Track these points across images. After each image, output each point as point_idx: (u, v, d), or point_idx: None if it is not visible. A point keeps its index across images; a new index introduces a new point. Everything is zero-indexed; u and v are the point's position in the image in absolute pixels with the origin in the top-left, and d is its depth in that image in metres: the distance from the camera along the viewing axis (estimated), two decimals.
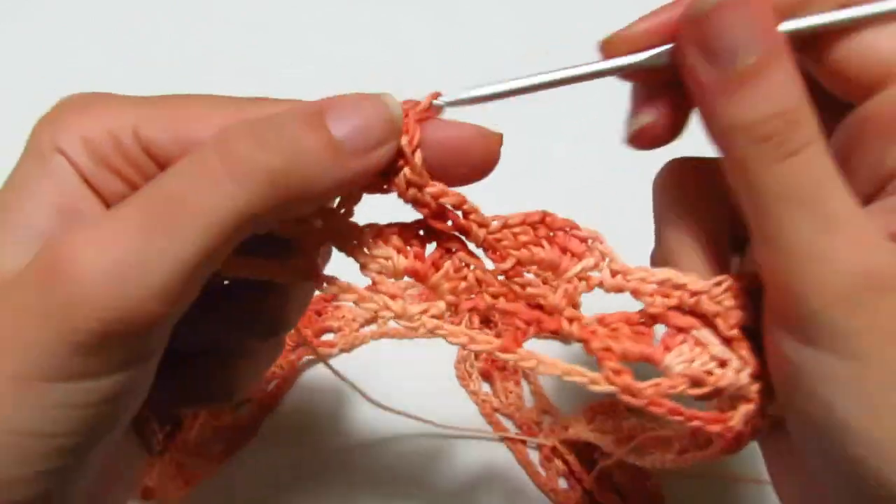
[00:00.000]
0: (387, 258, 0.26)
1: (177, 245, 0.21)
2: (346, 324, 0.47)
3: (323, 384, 0.46)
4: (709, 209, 0.28)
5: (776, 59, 0.23)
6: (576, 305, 0.27)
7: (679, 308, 0.26)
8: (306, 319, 0.47)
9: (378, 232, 0.26)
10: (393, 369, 0.46)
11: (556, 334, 0.26)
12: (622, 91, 0.29)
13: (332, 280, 0.26)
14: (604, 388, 0.25)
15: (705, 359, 0.26)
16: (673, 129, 0.28)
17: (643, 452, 0.32)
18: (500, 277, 0.27)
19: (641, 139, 0.28)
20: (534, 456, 0.44)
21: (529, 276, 0.27)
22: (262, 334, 0.32)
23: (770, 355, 0.25)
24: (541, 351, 0.26)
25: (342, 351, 0.45)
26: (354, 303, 0.26)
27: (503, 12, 0.65)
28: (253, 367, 0.33)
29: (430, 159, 0.25)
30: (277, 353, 0.35)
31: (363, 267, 0.26)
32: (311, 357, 0.46)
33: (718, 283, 0.26)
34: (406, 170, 0.25)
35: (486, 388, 0.47)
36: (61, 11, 0.64)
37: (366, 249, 0.26)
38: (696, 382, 0.25)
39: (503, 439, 0.45)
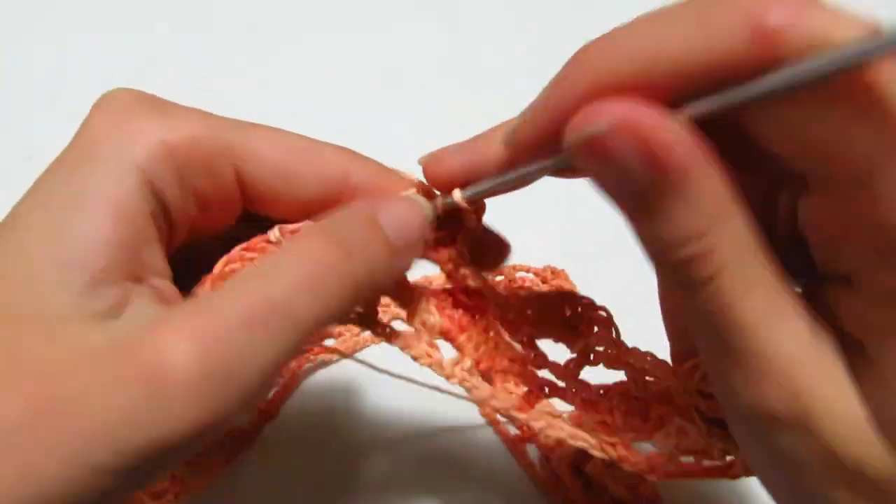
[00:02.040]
0: (429, 313, 0.29)
1: (272, 349, 0.21)
2: (346, 328, 0.47)
3: (323, 392, 0.46)
4: None
5: (674, 185, 0.19)
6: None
7: (661, 395, 0.29)
8: None
9: (424, 289, 0.29)
10: (392, 369, 0.46)
11: (563, 399, 0.30)
12: None
13: (388, 325, 0.29)
14: (602, 455, 0.28)
15: (689, 442, 0.28)
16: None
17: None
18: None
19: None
20: (533, 456, 0.45)
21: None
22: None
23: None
24: None
25: (343, 356, 0.45)
26: (401, 348, 0.29)
27: (507, 18, 0.65)
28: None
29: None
30: None
31: (410, 316, 0.29)
32: (311, 365, 0.46)
33: (692, 371, 0.28)
34: (452, 251, 0.28)
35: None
36: (59, 6, 0.64)
37: (416, 303, 0.29)
38: (688, 453, 0.28)
39: (491, 424, 0.45)
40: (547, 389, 0.31)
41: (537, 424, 0.28)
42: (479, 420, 0.46)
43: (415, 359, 0.28)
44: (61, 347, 0.21)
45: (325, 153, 0.26)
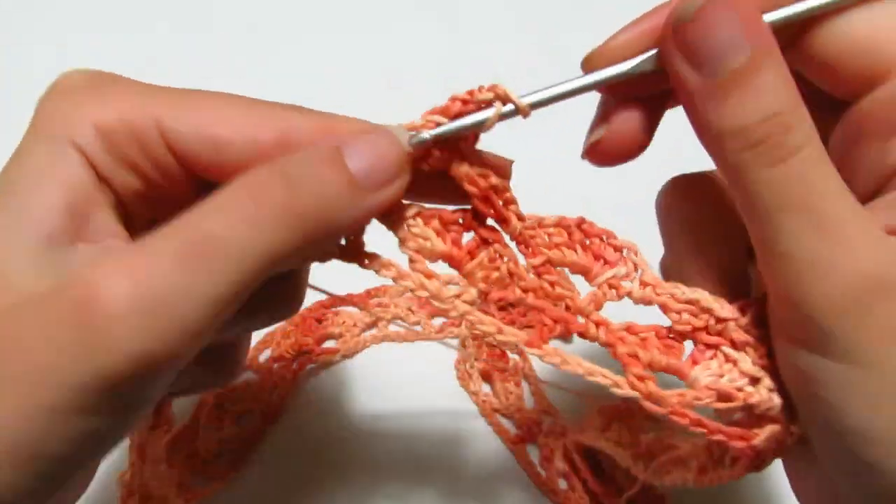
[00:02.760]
0: (425, 238, 0.26)
1: (210, 284, 0.21)
2: (347, 329, 0.47)
3: (325, 394, 0.47)
4: (717, 223, 0.27)
5: (765, 60, 0.22)
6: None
7: (706, 329, 0.26)
8: (307, 327, 0.47)
9: (419, 212, 0.27)
10: (393, 370, 0.47)
11: (582, 336, 0.26)
12: None
13: (373, 257, 0.26)
14: (626, 392, 0.25)
15: (735, 374, 0.26)
16: (631, 147, 0.27)
17: (662, 473, 0.32)
18: (530, 274, 0.27)
19: (595, 154, 0.27)
20: (534, 456, 0.45)
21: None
22: (275, 319, 0.32)
23: (780, 364, 0.25)
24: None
25: (344, 357, 0.45)
26: (393, 279, 0.26)
27: (507, 18, 0.65)
28: (245, 347, 0.34)
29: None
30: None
31: (402, 242, 0.26)
32: (313, 366, 0.46)
33: (743, 311, 0.26)
34: (462, 146, 0.26)
35: (486, 388, 0.47)
36: (59, 7, 0.64)
37: (406, 226, 0.26)
38: (723, 397, 0.25)
39: (504, 441, 0.45)
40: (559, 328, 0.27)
41: (551, 360, 0.26)
42: (480, 420, 0.46)
43: (411, 291, 0.26)
44: (11, 298, 0.22)
45: (255, 114, 0.25)
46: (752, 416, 0.26)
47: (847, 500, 0.25)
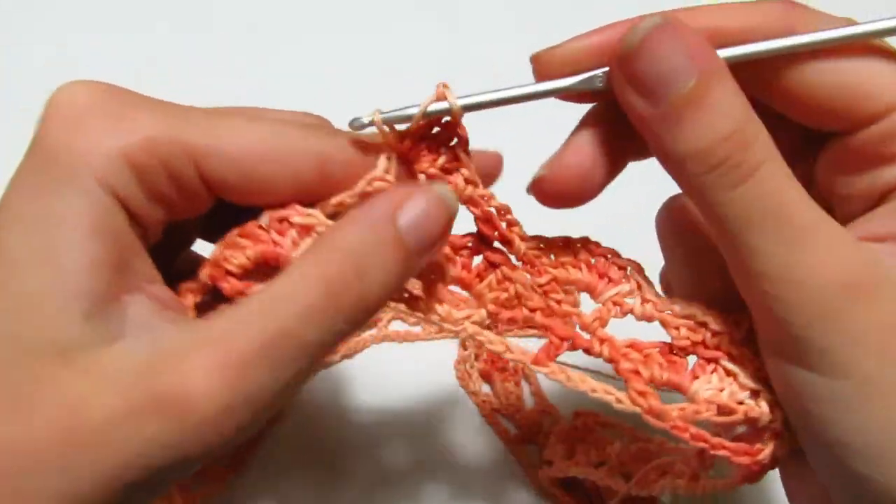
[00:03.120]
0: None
1: (281, 380, 0.22)
2: None
3: (326, 393, 0.46)
4: (710, 239, 0.27)
5: (713, 81, 0.22)
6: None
7: (704, 344, 0.27)
8: None
9: None
10: (393, 370, 0.47)
11: (588, 352, 0.27)
12: None
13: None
14: (628, 407, 0.26)
15: (735, 388, 0.26)
16: (578, 190, 0.27)
17: (648, 482, 0.32)
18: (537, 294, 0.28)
19: (538, 192, 0.27)
20: (534, 456, 0.45)
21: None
22: None
23: (771, 378, 0.26)
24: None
25: (344, 357, 0.45)
26: (405, 303, 0.27)
27: (507, 19, 0.65)
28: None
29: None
30: None
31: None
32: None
33: (738, 324, 0.26)
34: (463, 170, 0.26)
35: (486, 388, 0.47)
36: (59, 6, 0.64)
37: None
38: (724, 411, 0.26)
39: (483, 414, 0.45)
40: (566, 344, 0.27)
41: (557, 378, 0.27)
42: (480, 420, 0.46)
43: (423, 316, 0.27)
44: (79, 373, 0.21)
45: (290, 142, 0.24)
46: (755, 430, 0.27)
47: None
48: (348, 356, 0.45)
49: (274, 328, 0.22)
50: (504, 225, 0.27)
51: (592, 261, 0.28)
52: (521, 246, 0.28)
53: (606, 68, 0.24)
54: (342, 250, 0.23)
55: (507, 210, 0.27)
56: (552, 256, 0.28)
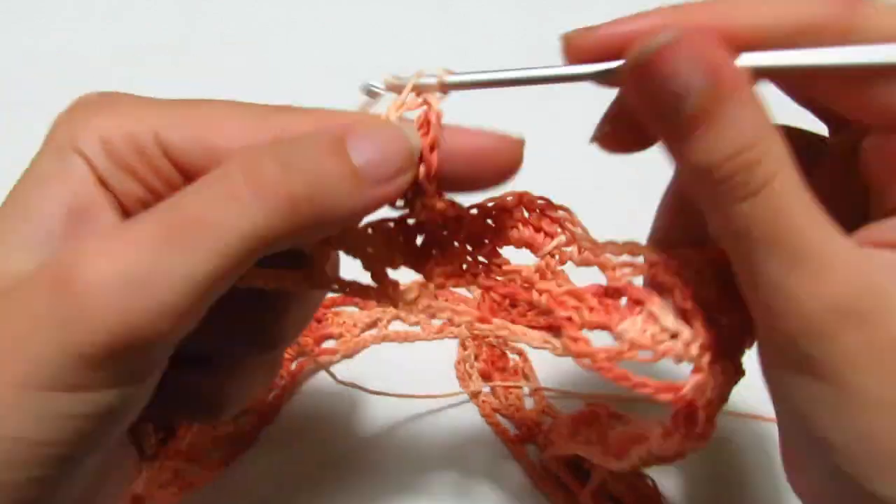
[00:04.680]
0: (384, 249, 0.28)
1: (191, 263, 0.21)
2: (347, 329, 0.47)
3: (323, 394, 0.47)
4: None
5: (727, 96, 0.22)
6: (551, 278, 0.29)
7: (632, 285, 0.28)
8: (307, 327, 0.47)
9: (372, 225, 0.28)
10: (393, 371, 0.47)
11: (529, 305, 0.29)
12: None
13: (346, 283, 0.28)
14: (563, 353, 0.27)
15: (656, 330, 0.26)
16: (637, 144, 0.28)
17: (623, 455, 0.33)
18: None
19: (605, 144, 0.28)
20: (533, 456, 0.45)
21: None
22: (260, 348, 0.32)
23: (771, 388, 0.26)
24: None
25: (344, 357, 0.45)
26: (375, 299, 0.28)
27: (508, 18, 0.65)
28: (247, 383, 0.33)
29: (447, 168, 0.26)
30: (274, 370, 0.35)
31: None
32: (311, 367, 0.46)
33: (675, 255, 0.27)
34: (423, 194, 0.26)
35: (486, 388, 0.47)
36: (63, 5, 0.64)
37: (370, 249, 0.28)
38: (643, 349, 0.27)
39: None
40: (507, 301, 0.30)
41: (500, 333, 0.28)
42: (480, 420, 0.46)
43: (376, 320, 0.28)
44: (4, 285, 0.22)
45: (249, 118, 0.25)
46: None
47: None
48: (348, 356, 0.46)
49: (177, 211, 0.22)
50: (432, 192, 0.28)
51: (528, 215, 0.29)
52: (444, 207, 0.28)
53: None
54: (266, 149, 0.23)
55: (460, 213, 0.28)
56: (490, 222, 0.29)
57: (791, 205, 0.22)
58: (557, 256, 0.28)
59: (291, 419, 0.45)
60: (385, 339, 0.48)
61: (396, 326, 0.48)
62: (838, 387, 0.23)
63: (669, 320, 0.27)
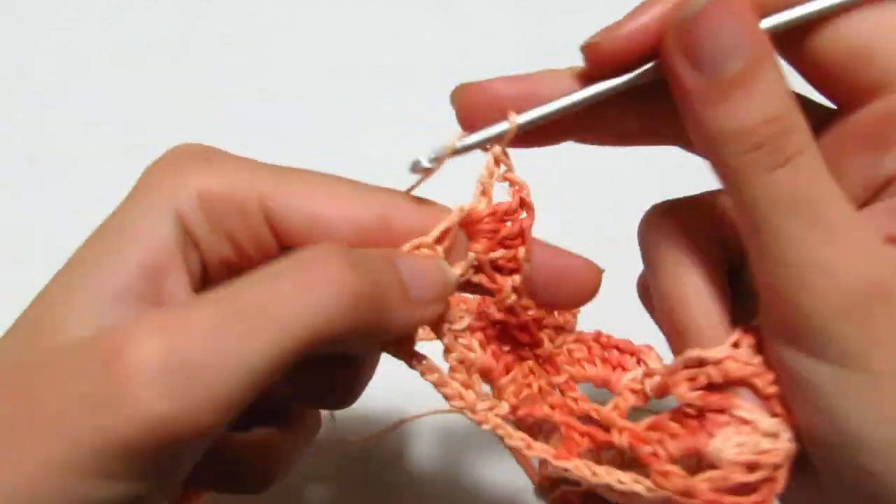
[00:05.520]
0: (470, 349, 0.27)
1: (248, 351, 0.20)
2: None
3: None
4: (702, 247, 0.27)
5: (764, 64, 0.22)
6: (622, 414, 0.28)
7: (711, 386, 0.25)
8: None
9: (469, 325, 0.28)
10: (393, 371, 0.46)
11: (609, 446, 0.27)
12: None
13: (421, 358, 0.27)
14: (658, 493, 0.25)
15: (756, 437, 0.24)
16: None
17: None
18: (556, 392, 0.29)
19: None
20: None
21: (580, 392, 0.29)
22: (329, 405, 0.32)
23: (774, 369, 0.25)
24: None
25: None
26: (434, 384, 0.27)
27: (507, 19, 0.65)
28: (300, 447, 0.33)
29: (532, 279, 0.27)
30: (313, 433, 0.35)
31: (447, 351, 0.27)
32: None
33: (737, 345, 0.25)
34: (517, 277, 0.27)
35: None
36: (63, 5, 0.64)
37: (453, 336, 0.27)
38: (752, 467, 0.24)
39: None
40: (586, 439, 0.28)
41: (580, 474, 0.26)
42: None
43: (447, 398, 0.26)
44: (51, 350, 0.22)
45: (356, 194, 0.26)
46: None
47: None
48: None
49: (241, 298, 0.21)
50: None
51: (606, 354, 0.29)
52: (549, 346, 0.28)
53: (656, 62, 0.25)
54: (337, 248, 0.23)
55: (544, 317, 0.28)
56: (567, 354, 0.29)
57: (822, 178, 0.22)
58: (635, 395, 0.28)
59: None
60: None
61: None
62: (878, 375, 0.22)
63: (766, 421, 0.24)
